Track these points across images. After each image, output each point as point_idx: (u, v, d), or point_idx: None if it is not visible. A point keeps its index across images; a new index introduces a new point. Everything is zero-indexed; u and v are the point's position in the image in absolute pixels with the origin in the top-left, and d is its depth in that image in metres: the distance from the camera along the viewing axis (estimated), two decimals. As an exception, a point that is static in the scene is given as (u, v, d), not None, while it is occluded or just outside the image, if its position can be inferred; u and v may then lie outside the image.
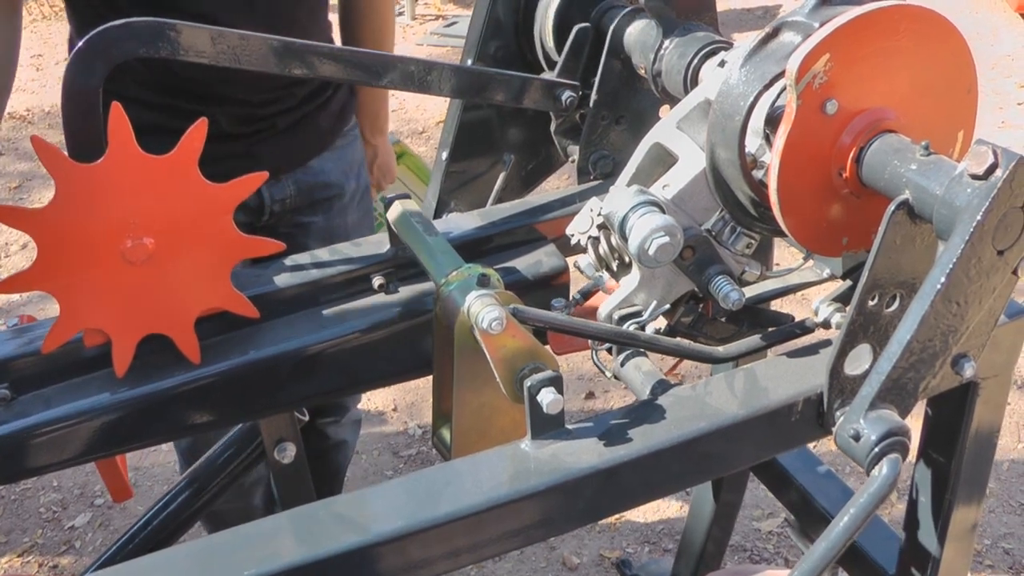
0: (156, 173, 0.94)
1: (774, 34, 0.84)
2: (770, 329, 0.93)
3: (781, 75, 0.82)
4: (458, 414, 0.89)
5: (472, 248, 1.13)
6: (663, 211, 0.83)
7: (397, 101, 4.34)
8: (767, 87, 0.82)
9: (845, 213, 0.87)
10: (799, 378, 0.86)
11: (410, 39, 5.32)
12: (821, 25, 0.81)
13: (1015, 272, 0.82)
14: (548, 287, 1.10)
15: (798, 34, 0.83)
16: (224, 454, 1.31)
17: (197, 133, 0.94)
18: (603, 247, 0.90)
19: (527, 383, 0.77)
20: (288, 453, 1.24)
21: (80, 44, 0.95)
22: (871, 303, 0.82)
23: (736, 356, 0.89)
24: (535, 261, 1.12)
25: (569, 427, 0.80)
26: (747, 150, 0.86)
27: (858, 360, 0.84)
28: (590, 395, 2.68)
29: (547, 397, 0.76)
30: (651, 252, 0.80)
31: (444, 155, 1.27)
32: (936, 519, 1.06)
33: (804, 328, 0.92)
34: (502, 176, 1.29)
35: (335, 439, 1.96)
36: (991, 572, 2.13)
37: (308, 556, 0.72)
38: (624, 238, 0.83)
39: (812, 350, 0.91)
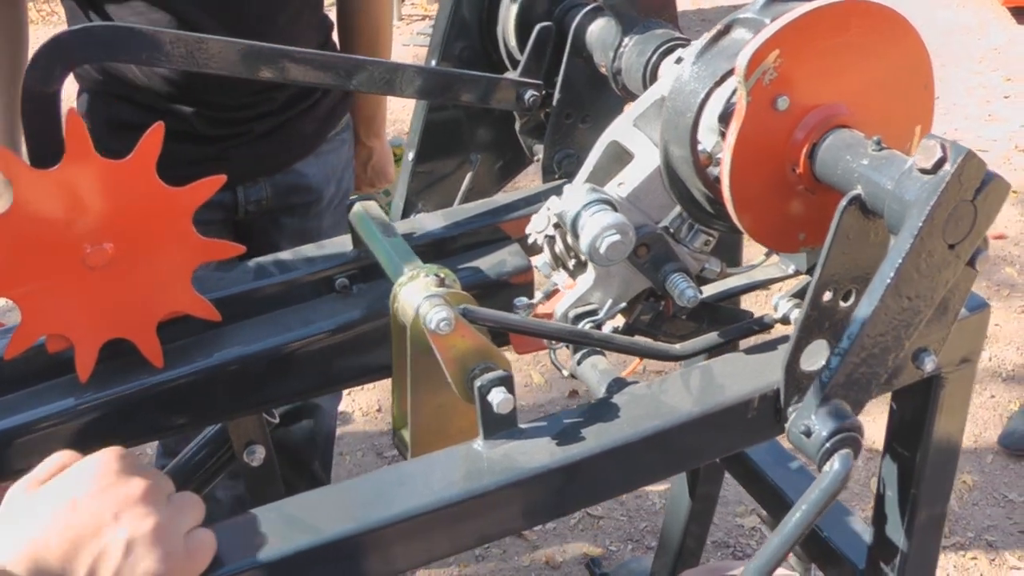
0: (114, 177, 0.93)
1: (726, 31, 0.84)
2: (728, 326, 0.93)
3: (732, 71, 0.82)
4: (415, 414, 0.89)
5: (436, 248, 1.13)
6: (615, 209, 0.83)
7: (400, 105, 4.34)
8: (718, 84, 0.82)
9: (800, 209, 0.87)
10: (756, 374, 0.86)
11: (396, 39, 5.32)
12: (773, 21, 0.81)
13: (973, 265, 0.82)
14: (512, 286, 1.10)
15: (749, 30, 0.83)
16: (197, 455, 1.31)
17: (154, 137, 0.94)
18: (559, 246, 0.90)
19: (477, 383, 0.77)
20: (257, 455, 1.24)
21: (39, 48, 0.95)
22: (826, 298, 0.82)
23: (692, 354, 0.89)
24: (499, 261, 1.12)
25: (523, 426, 0.80)
26: (702, 147, 0.86)
27: (815, 356, 0.84)
28: (573, 393, 2.68)
29: (497, 397, 0.76)
30: (602, 250, 0.80)
31: (410, 156, 1.27)
32: (902, 514, 1.06)
33: (762, 324, 0.92)
34: (469, 176, 1.29)
35: (308, 403, 1.97)
36: (975, 564, 2.13)
37: (256, 559, 0.72)
38: (576, 237, 0.82)
39: (771, 346, 0.91)
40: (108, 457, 0.74)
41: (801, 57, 0.79)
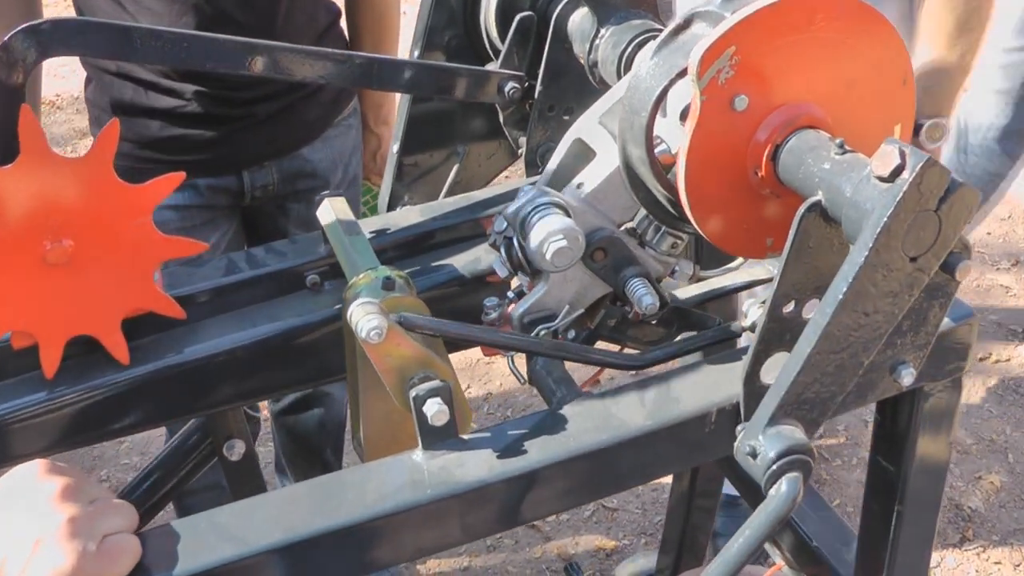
0: (71, 175, 0.93)
1: (686, 25, 0.80)
2: (695, 334, 0.89)
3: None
4: (367, 420, 0.87)
5: (411, 245, 1.11)
6: (567, 212, 0.80)
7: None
8: (673, 81, 0.78)
9: (766, 213, 0.82)
10: (717, 386, 0.82)
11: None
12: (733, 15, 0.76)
13: (953, 275, 0.77)
14: (486, 285, 1.07)
15: (710, 25, 0.78)
16: (180, 449, 1.30)
17: (110, 135, 0.92)
18: (516, 247, 0.86)
19: (412, 393, 0.74)
20: (237, 450, 1.23)
21: (5, 39, 0.94)
22: (787, 310, 0.78)
23: (651, 364, 0.86)
24: (474, 258, 1.09)
25: (465, 437, 0.78)
26: (664, 147, 0.82)
27: (777, 369, 0.80)
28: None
29: (432, 408, 0.74)
30: (548, 256, 0.77)
31: (395, 148, 1.24)
32: (887, 528, 1.02)
33: (728, 333, 0.88)
34: (455, 169, 1.26)
35: (318, 391, 1.98)
36: (998, 569, 2.06)
37: (181, 569, 0.70)
38: (525, 240, 0.79)
39: (737, 356, 0.87)
40: (31, 464, 0.73)
41: (761, 54, 0.75)
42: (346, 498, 0.74)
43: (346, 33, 1.84)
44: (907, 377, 0.82)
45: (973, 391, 2.58)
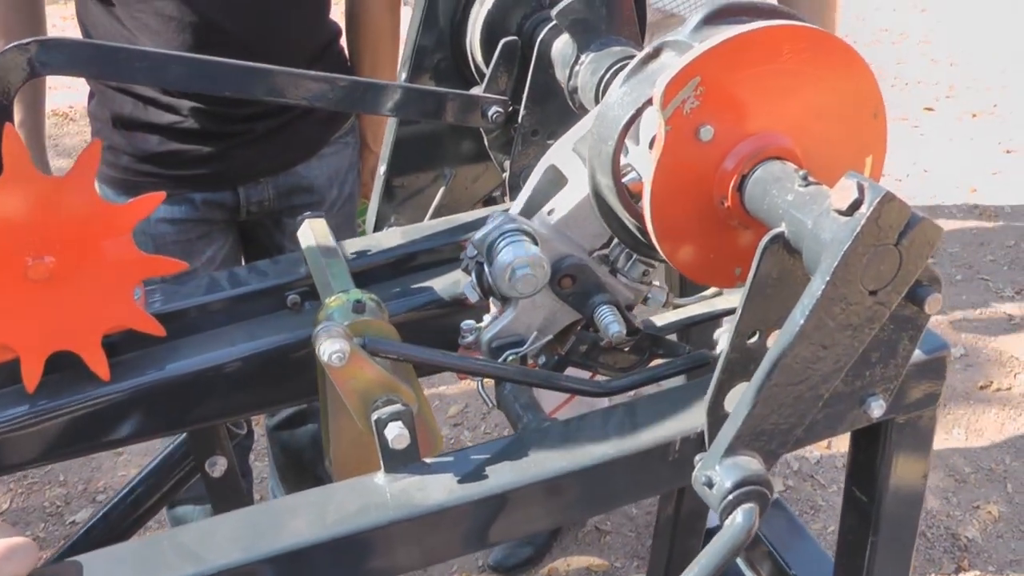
0: (53, 193, 0.94)
1: (655, 54, 0.80)
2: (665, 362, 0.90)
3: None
4: (336, 442, 0.88)
5: (393, 267, 1.11)
6: (534, 240, 0.80)
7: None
8: (640, 110, 0.78)
9: (735, 243, 0.83)
10: (682, 416, 0.82)
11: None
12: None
13: (922, 308, 0.77)
14: (466, 308, 1.08)
15: (677, 54, 0.79)
16: (164, 465, 1.31)
17: (91, 154, 0.94)
18: (486, 273, 0.87)
19: (374, 416, 0.75)
20: (219, 467, 1.24)
21: None
22: (751, 341, 0.78)
23: (617, 391, 0.86)
24: (454, 281, 1.09)
25: (428, 460, 0.78)
26: (633, 175, 0.83)
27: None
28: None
29: (393, 431, 0.74)
30: (512, 283, 0.77)
31: (382, 169, 1.25)
32: (862, 559, 1.01)
33: (698, 361, 0.88)
34: (441, 191, 1.27)
35: (312, 406, 1.98)
36: (993, 601, 2.04)
37: (137, 590, 0.71)
38: (492, 266, 0.80)
39: (705, 385, 0.86)
40: None
41: (726, 85, 0.75)
42: (307, 518, 0.75)
43: (346, 52, 1.86)
44: (877, 409, 0.82)
45: (973, 420, 2.56)
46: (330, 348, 0.74)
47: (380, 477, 0.77)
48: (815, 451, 2.47)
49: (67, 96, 4.56)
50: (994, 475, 2.35)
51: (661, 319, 0.99)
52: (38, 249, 0.95)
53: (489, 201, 1.37)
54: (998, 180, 3.83)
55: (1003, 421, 2.53)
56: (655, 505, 2.26)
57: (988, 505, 2.25)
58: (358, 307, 0.83)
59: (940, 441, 2.50)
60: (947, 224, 3.54)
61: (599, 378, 0.92)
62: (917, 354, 0.90)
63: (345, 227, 1.87)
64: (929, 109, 4.54)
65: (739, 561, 1.27)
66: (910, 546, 1.02)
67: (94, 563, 0.75)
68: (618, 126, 0.78)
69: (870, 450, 0.95)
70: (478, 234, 0.82)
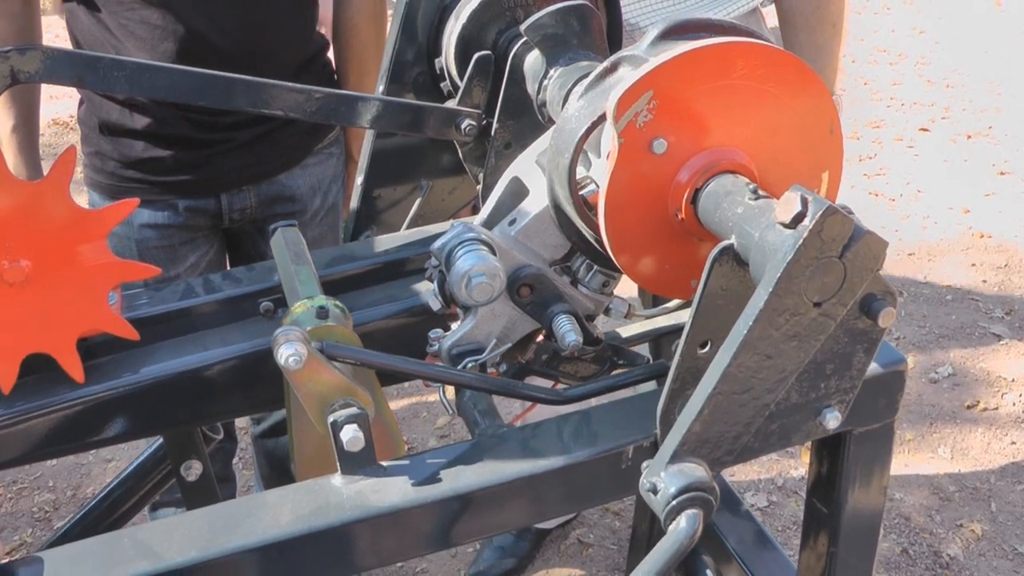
0: (29, 198, 0.96)
1: (612, 68, 0.82)
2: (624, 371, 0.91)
3: (609, 113, 0.80)
4: (299, 445, 0.89)
5: (366, 276, 1.13)
6: (491, 249, 0.82)
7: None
8: (596, 123, 0.80)
9: (691, 255, 0.84)
10: (635, 424, 0.84)
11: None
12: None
13: (876, 321, 0.78)
14: (435, 317, 1.09)
15: (633, 68, 0.81)
16: (142, 468, 1.33)
17: (66, 160, 0.96)
18: (448, 281, 0.89)
19: (330, 419, 0.76)
20: (194, 471, 1.25)
21: None
22: (701, 351, 0.79)
23: (574, 399, 0.87)
24: (425, 290, 1.11)
25: (384, 463, 0.79)
26: (591, 188, 0.85)
27: (694, 407, 0.81)
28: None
29: (348, 434, 0.76)
30: (467, 292, 0.79)
31: (359, 180, 1.27)
32: (823, 569, 1.02)
33: (656, 371, 0.90)
34: (417, 202, 1.28)
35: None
36: (973, 621, 2.04)
37: (94, 585, 0.72)
38: (448, 274, 0.81)
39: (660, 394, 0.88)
40: None
41: (679, 99, 0.77)
42: (264, 518, 0.76)
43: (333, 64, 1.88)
44: (832, 421, 0.83)
45: (960, 439, 2.57)
46: (286, 351, 0.75)
47: (337, 479, 0.79)
48: (799, 467, 2.48)
49: (68, 106, 4.59)
50: (978, 494, 2.36)
51: (627, 331, 1.00)
52: (14, 253, 0.97)
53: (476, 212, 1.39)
54: (991, 201, 3.85)
55: (989, 440, 2.54)
56: (639, 519, 2.26)
57: (972, 524, 2.25)
58: (321, 313, 0.85)
59: (925, 459, 2.50)
60: (940, 245, 3.56)
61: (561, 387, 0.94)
62: (873, 367, 0.92)
63: (328, 237, 1.89)
64: (924, 130, 4.56)
65: (708, 571, 1.28)
66: (870, 558, 1.03)
67: (56, 557, 0.76)
68: (575, 139, 0.80)
69: (830, 462, 0.97)
70: (438, 243, 0.84)
